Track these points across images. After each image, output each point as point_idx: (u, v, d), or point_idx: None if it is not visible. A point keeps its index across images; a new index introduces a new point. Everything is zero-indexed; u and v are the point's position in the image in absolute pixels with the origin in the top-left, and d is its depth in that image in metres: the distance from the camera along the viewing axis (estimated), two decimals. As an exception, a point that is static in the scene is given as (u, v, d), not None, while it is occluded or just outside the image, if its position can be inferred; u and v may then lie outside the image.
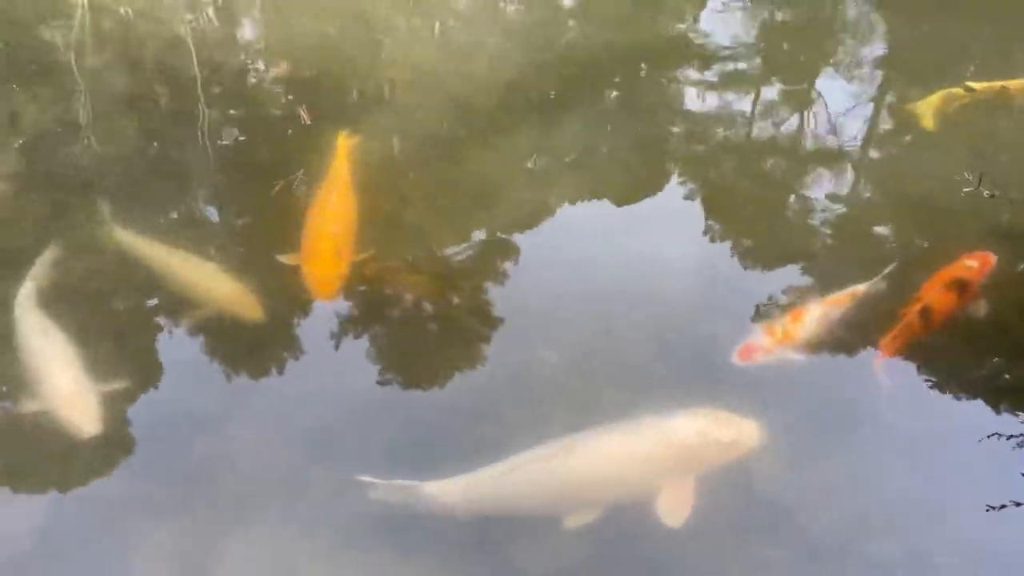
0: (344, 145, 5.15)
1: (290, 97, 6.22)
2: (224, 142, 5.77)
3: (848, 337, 3.97)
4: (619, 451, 3.35)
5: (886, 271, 4.25)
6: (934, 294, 4.06)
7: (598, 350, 3.92)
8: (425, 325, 4.24)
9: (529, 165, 5.51)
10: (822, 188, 5.33)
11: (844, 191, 5.37)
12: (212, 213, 5.22)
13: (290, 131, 5.78)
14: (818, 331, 3.92)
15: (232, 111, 6.21)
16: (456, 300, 4.34)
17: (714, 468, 3.34)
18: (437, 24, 7.63)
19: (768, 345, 3.84)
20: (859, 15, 7.95)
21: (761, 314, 4.19)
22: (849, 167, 5.64)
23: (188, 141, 5.68)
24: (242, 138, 5.84)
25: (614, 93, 6.53)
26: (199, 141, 5.69)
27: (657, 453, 3.35)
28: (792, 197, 5.26)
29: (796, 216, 5.10)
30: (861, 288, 4.15)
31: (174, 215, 5.10)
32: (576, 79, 6.49)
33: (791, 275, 4.51)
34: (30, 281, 4.30)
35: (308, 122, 5.75)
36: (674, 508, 3.17)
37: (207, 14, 8.13)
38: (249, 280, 4.28)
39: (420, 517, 3.22)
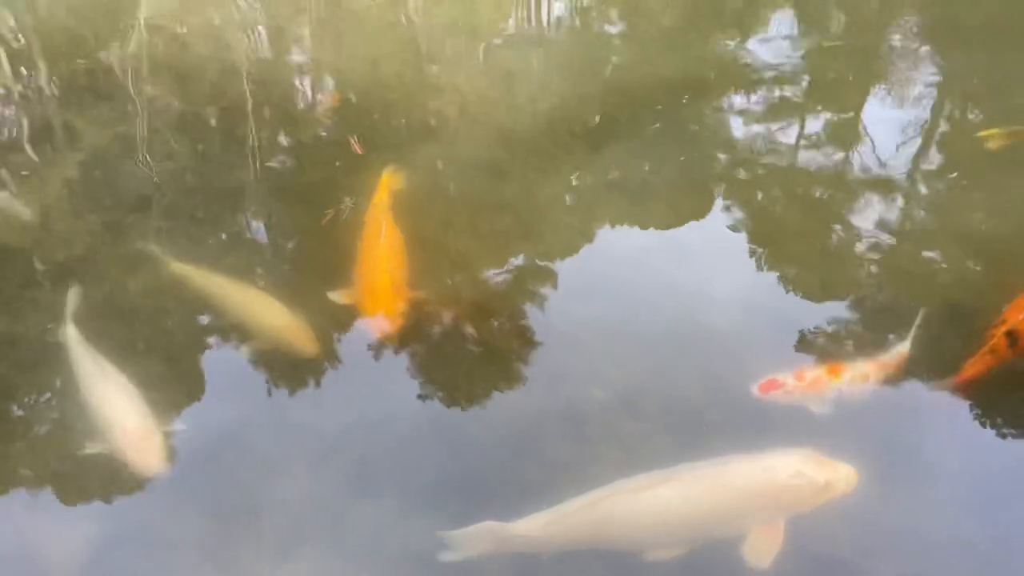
0: (389, 179, 5.19)
1: (341, 125, 6.32)
2: (274, 167, 5.88)
3: (885, 395, 3.89)
4: (709, 488, 3.29)
5: (911, 331, 4.10)
6: (1020, 317, 3.90)
7: (648, 389, 3.91)
8: (473, 360, 4.25)
9: (572, 195, 5.51)
10: (879, 221, 5.22)
11: (907, 225, 5.25)
12: (262, 241, 5.29)
13: (338, 161, 5.83)
14: (851, 391, 3.86)
15: (283, 138, 6.33)
16: (503, 335, 4.35)
17: (806, 511, 3.27)
18: (482, 49, 7.71)
19: (792, 387, 3.82)
20: (910, 45, 7.82)
21: (803, 352, 4.13)
22: (909, 200, 5.52)
23: (239, 166, 5.79)
24: (291, 165, 5.94)
25: (659, 121, 6.51)
26: (250, 168, 5.81)
27: (749, 493, 3.28)
28: (848, 231, 5.15)
29: (850, 250, 5.00)
30: (902, 348, 4.06)
31: (223, 241, 5.19)
32: (620, 105, 6.48)
33: (845, 315, 4.43)
34: (77, 316, 4.31)
35: (360, 152, 5.79)
36: (762, 550, 3.12)
37: (260, 38, 8.33)
38: (301, 311, 4.31)
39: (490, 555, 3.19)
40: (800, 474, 3.28)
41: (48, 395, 4.04)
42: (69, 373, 4.02)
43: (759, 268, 4.83)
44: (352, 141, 5.85)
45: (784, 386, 3.81)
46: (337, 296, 4.37)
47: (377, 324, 4.23)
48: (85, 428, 3.77)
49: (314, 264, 4.86)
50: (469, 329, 4.36)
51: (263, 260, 5.01)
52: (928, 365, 4.03)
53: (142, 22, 8.30)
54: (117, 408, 3.78)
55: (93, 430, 3.75)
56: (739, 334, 4.26)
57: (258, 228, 5.36)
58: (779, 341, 4.27)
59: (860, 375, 3.90)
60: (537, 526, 3.18)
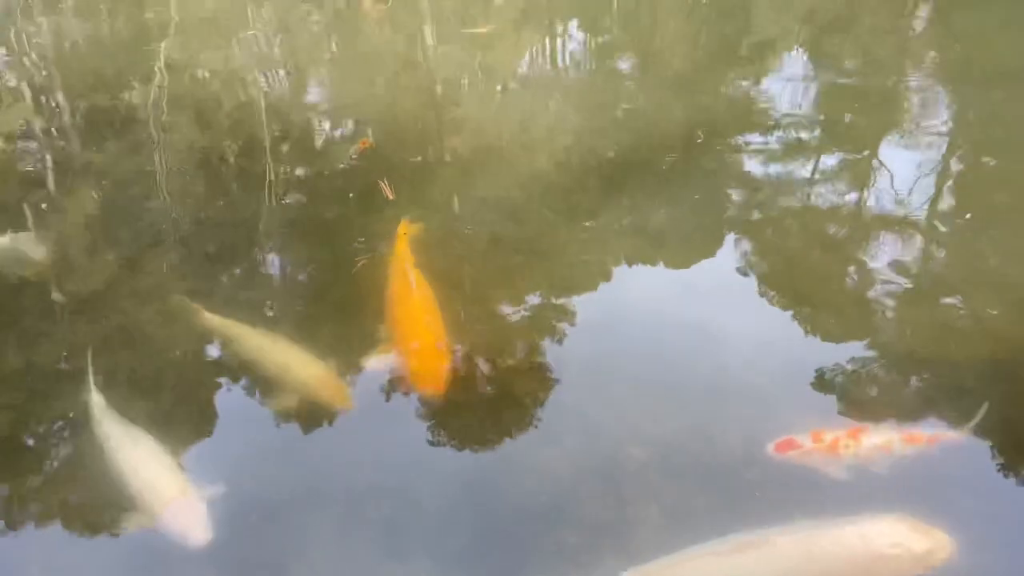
0: (405, 231, 5.09)
1: (367, 170, 6.24)
2: (300, 211, 5.87)
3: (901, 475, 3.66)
4: (805, 556, 3.17)
5: (974, 420, 3.82)
6: None
7: (686, 448, 3.79)
8: (506, 417, 4.08)
9: (602, 243, 5.42)
10: (918, 269, 5.07)
11: (948, 278, 5.06)
12: (287, 289, 5.21)
13: (368, 204, 5.75)
14: (871, 459, 3.67)
15: (303, 180, 6.33)
16: (535, 391, 4.20)
17: None
18: (499, 89, 7.80)
19: (809, 448, 3.66)
20: (927, 84, 7.85)
21: (836, 410, 4.01)
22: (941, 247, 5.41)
23: (260, 210, 5.80)
24: (315, 208, 5.90)
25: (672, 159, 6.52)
26: (265, 208, 5.83)
27: (844, 561, 3.16)
28: (895, 281, 4.95)
29: (894, 304, 4.80)
30: (946, 435, 3.79)
31: (250, 292, 5.07)
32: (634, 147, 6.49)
33: (886, 374, 4.27)
34: (98, 384, 4.11)
35: (392, 197, 5.69)
36: None
37: (278, 78, 8.46)
38: (333, 364, 4.20)
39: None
40: (898, 543, 3.17)
41: (74, 467, 3.87)
42: (95, 443, 3.83)
43: (799, 322, 4.66)
44: (383, 186, 5.78)
45: (801, 447, 3.68)
46: (376, 362, 4.21)
47: (427, 381, 4.07)
48: (120, 503, 3.57)
49: (343, 316, 4.73)
50: (500, 385, 4.24)
51: (288, 310, 4.90)
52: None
53: (163, 61, 8.47)
54: (153, 477, 3.59)
55: (129, 505, 3.55)
56: (775, 388, 4.14)
57: (283, 275, 5.33)
58: (812, 396, 4.11)
59: (884, 443, 3.70)
60: None
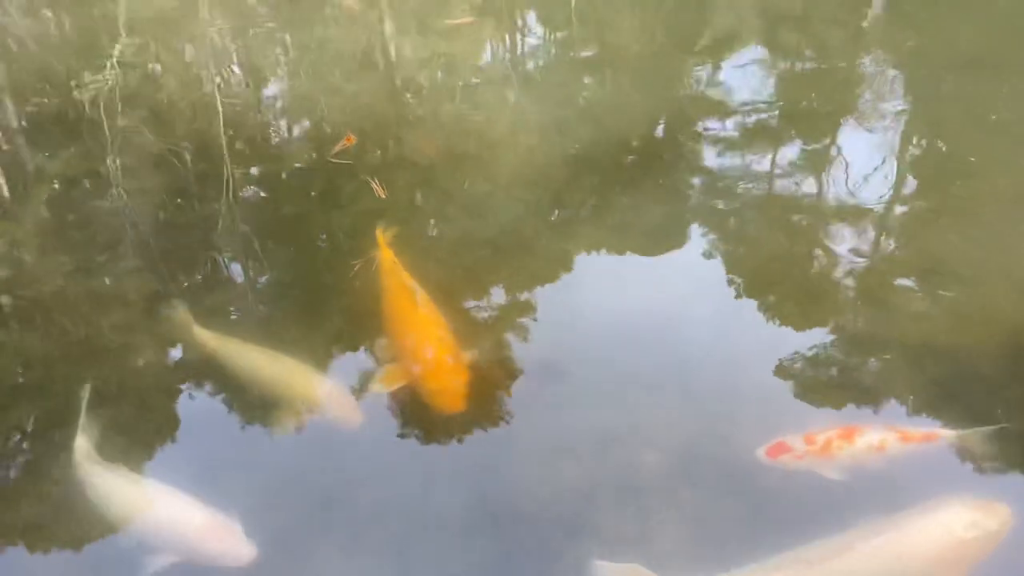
0: (384, 239, 4.90)
1: (351, 168, 6.07)
2: (282, 209, 5.72)
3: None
4: (894, 555, 3.19)
5: (987, 429, 3.72)
6: None
7: (702, 453, 3.72)
8: (514, 425, 3.98)
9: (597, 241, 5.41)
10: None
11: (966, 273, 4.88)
12: (279, 299, 5.01)
13: (354, 205, 5.60)
14: (866, 459, 3.62)
15: (289, 183, 6.15)
16: (541, 396, 4.09)
17: (983, 558, 3.20)
18: (460, 84, 7.74)
19: (800, 452, 3.61)
20: (882, 69, 7.96)
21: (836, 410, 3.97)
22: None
23: (220, 211, 5.69)
24: (304, 212, 5.70)
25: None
26: (224, 208, 5.71)
27: (933, 554, 3.19)
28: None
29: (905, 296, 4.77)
30: (945, 433, 3.75)
31: (239, 302, 4.91)
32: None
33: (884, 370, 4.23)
34: (86, 433, 3.78)
35: (383, 195, 5.51)
36: None
37: (236, 75, 8.30)
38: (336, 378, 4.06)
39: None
40: (975, 524, 3.21)
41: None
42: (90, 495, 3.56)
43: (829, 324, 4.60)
44: (373, 184, 5.58)
45: (792, 451, 3.61)
46: (385, 384, 3.99)
47: (446, 398, 3.89)
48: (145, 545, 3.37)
49: (339, 325, 4.61)
50: (505, 391, 4.09)
51: (282, 321, 4.71)
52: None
53: (115, 58, 8.26)
54: (179, 512, 3.43)
55: (158, 543, 3.36)
56: (787, 390, 4.12)
57: (261, 283, 5.13)
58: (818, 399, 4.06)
59: (879, 442, 3.65)
60: None
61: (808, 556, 3.15)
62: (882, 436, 3.66)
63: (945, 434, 3.73)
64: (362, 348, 4.41)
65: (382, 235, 4.94)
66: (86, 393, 3.94)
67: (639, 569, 3.07)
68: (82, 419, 3.81)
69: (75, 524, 3.51)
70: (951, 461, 3.66)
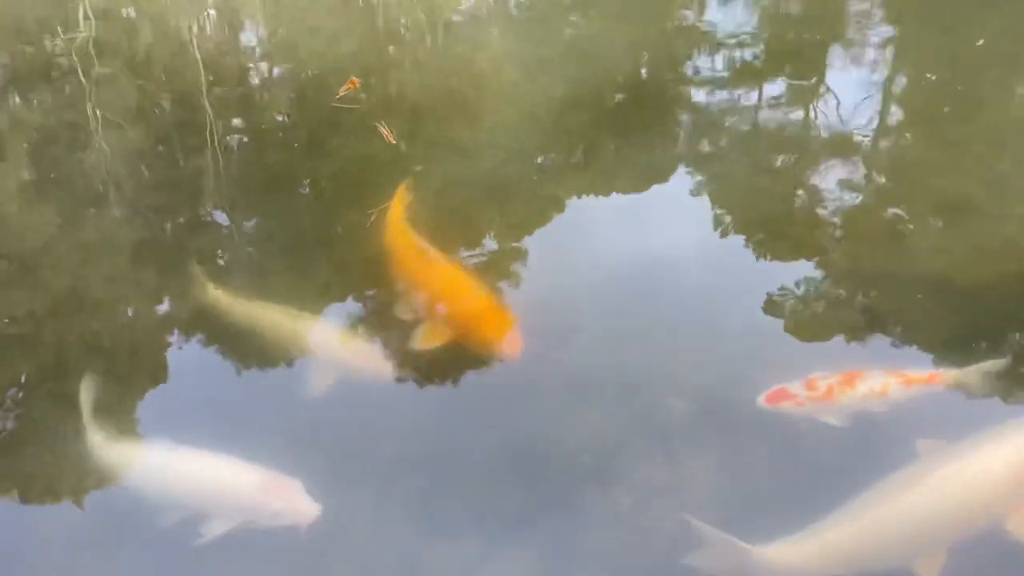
0: (403, 192, 4.69)
1: (362, 113, 5.83)
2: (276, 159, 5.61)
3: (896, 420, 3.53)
4: (971, 481, 3.11)
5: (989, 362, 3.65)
6: None
7: (729, 397, 3.63)
8: (539, 374, 3.85)
9: (541, 171, 5.41)
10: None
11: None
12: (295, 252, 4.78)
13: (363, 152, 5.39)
14: (869, 404, 3.53)
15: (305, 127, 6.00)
16: (563, 343, 3.98)
17: None
18: (441, 24, 7.60)
19: (802, 399, 3.53)
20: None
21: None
22: None
23: (213, 162, 5.60)
24: (316, 161, 5.51)
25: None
26: (215, 161, 5.62)
27: (1009, 476, 3.10)
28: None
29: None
30: (947, 373, 3.65)
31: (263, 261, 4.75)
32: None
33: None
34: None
35: (393, 141, 5.27)
36: None
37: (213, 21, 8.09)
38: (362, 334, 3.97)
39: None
40: None
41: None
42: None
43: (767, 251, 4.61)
44: (382, 129, 5.30)
45: (794, 397, 3.53)
46: (424, 342, 3.84)
47: (506, 344, 3.78)
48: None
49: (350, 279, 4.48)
50: (517, 343, 3.88)
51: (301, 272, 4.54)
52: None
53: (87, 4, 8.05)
54: (236, 475, 3.31)
55: (215, 510, 3.23)
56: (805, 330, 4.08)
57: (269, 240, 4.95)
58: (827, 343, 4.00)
59: (881, 387, 3.57)
60: (788, 552, 2.95)
61: (884, 496, 3.07)
62: (884, 380, 3.58)
63: (947, 374, 3.66)
64: (391, 305, 4.18)
65: (402, 192, 4.72)
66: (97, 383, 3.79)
67: (736, 544, 2.95)
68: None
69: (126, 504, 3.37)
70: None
